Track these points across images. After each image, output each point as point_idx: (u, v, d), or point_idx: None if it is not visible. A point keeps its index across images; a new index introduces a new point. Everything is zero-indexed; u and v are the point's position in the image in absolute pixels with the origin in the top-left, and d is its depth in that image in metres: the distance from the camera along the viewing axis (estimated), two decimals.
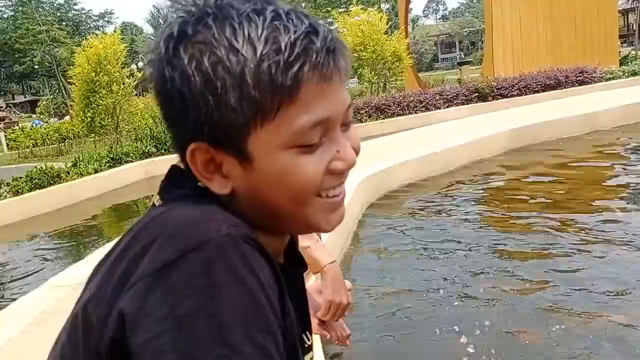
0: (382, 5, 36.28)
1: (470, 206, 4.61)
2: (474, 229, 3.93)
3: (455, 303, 2.72)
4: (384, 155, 5.95)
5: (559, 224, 3.72)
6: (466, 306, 2.69)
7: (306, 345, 0.77)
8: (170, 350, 0.48)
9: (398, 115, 10.28)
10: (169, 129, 0.63)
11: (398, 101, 10.53)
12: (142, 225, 0.57)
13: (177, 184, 0.63)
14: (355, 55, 13.08)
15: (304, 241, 1.72)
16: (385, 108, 10.34)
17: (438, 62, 51.94)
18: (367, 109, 10.16)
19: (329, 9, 20.59)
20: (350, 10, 14.30)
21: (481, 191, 5.12)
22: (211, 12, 0.56)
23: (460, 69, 20.63)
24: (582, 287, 2.72)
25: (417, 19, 55.83)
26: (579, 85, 11.26)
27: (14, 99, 40.26)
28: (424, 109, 10.53)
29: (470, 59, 27.82)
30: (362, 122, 9.88)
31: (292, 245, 0.75)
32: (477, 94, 11.03)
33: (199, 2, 0.57)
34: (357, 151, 0.63)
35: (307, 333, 0.78)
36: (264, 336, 0.50)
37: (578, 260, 3.07)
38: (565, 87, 11.15)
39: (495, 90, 11.04)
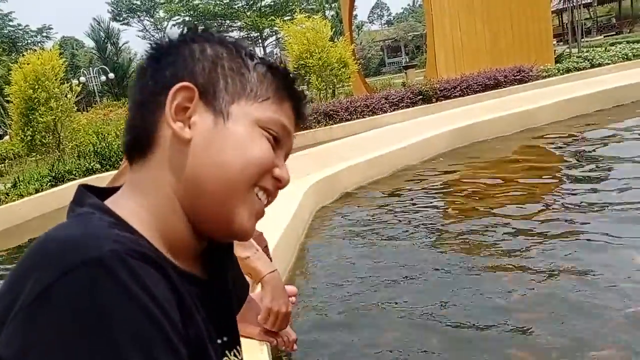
0: (327, 13, 36.66)
1: (417, 204, 4.73)
2: (420, 224, 4.03)
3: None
4: (332, 160, 6.02)
5: (496, 215, 3.89)
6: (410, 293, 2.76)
7: (235, 355, 0.77)
8: None
9: (346, 120, 10.39)
10: (152, 72, 0.67)
11: (346, 106, 10.64)
12: (30, 249, 0.54)
13: (79, 202, 0.63)
14: (302, 62, 13.15)
15: (244, 252, 1.73)
16: (334, 114, 10.43)
17: (385, 66, 52.84)
18: (315, 115, 10.21)
19: (273, 17, 20.59)
20: (295, 18, 14.38)
21: (427, 189, 5.25)
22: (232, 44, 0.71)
23: (405, 73, 21.02)
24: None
25: (362, 25, 56.61)
26: (518, 83, 11.72)
27: None
28: (371, 113, 10.68)
29: (415, 63, 28.39)
30: (311, 128, 9.93)
31: (218, 254, 0.74)
32: (421, 97, 11.29)
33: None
34: (283, 186, 0.72)
35: (234, 345, 0.78)
36: (162, 353, 0.48)
37: (513, 244, 3.22)
38: (504, 87, 11.56)
39: (439, 92, 11.33)
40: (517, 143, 6.62)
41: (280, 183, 0.70)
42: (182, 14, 36.67)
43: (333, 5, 36.76)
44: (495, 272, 2.97)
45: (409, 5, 66.58)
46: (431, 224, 4.07)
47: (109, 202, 0.64)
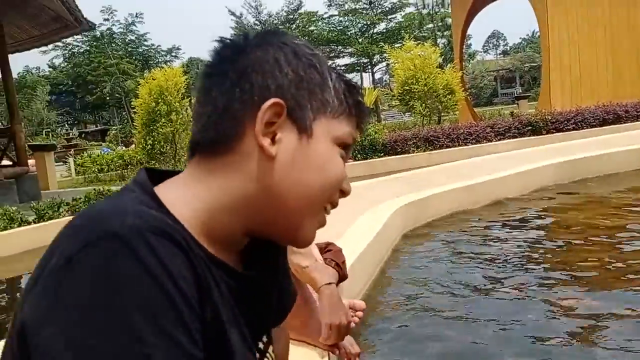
0: (438, 40, 36.33)
1: (511, 237, 4.48)
2: (509, 260, 3.81)
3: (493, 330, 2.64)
4: (424, 185, 5.91)
5: (604, 256, 3.57)
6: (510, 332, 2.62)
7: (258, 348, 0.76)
8: (74, 342, 0.47)
9: (447, 147, 10.17)
10: (236, 92, 0.65)
11: (447, 133, 10.43)
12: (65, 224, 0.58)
13: (132, 180, 0.65)
14: (407, 88, 13.14)
15: (304, 261, 1.75)
16: (434, 139, 10.26)
17: (497, 97, 51.06)
18: (415, 140, 10.12)
19: (384, 44, 20.83)
20: (404, 45, 14.42)
21: (524, 223, 4.97)
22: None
23: (517, 104, 20.19)
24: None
25: (475, 54, 55.27)
26: None
27: (86, 128, 42.82)
28: (474, 141, 10.37)
29: (529, 94, 27.15)
30: (409, 153, 9.85)
31: (265, 253, 0.75)
32: (530, 127, 10.77)
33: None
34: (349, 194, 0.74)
35: (269, 344, 0.79)
36: (172, 325, 0.50)
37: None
38: (625, 122, 10.71)
39: (550, 124, 10.74)
40: (633, 183, 6.08)
41: (344, 195, 0.73)
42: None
43: (445, 33, 36.34)
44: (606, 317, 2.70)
45: (527, 35, 64.04)
46: (519, 259, 3.83)
47: (163, 184, 0.66)
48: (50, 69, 42.86)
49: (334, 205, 0.72)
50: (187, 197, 0.64)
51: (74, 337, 0.47)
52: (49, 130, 32.77)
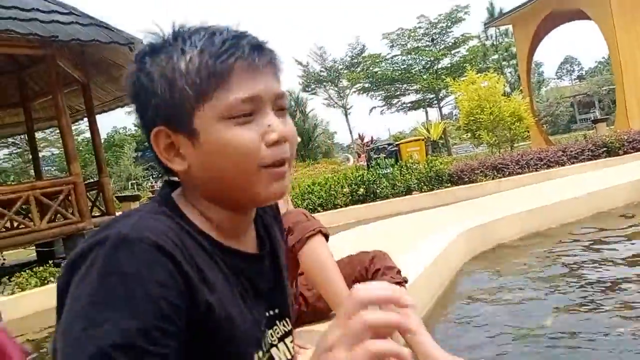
0: (505, 70, 35.68)
1: (583, 263, 4.07)
2: (583, 285, 3.51)
3: None
4: (491, 211, 5.84)
5: None
6: None
7: (282, 331, 0.89)
8: (67, 321, 0.62)
9: (517, 174, 9.91)
10: (142, 128, 0.79)
11: (516, 159, 10.18)
12: None
13: (158, 192, 0.82)
14: (472, 118, 13.04)
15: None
16: (503, 167, 10.05)
17: (576, 123, 48.92)
18: (482, 169, 9.96)
19: (446, 78, 20.82)
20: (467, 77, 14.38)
21: (597, 246, 4.72)
22: (171, 35, 0.78)
23: (595, 127, 19.33)
24: None
25: (544, 81, 53.52)
26: None
27: None
28: (545, 167, 10.06)
29: (608, 117, 25.89)
30: (477, 182, 9.70)
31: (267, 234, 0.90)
32: (605, 149, 10.32)
33: (163, 33, 0.78)
34: (292, 139, 0.77)
35: (283, 316, 0.90)
36: (128, 320, 0.59)
37: None
38: None
39: (627, 144, 10.23)
40: None
41: (278, 142, 0.74)
42: (363, 81, 38.91)
43: (512, 62, 35.69)
44: None
45: (603, 58, 61.42)
46: (597, 284, 3.54)
47: (177, 192, 0.81)
48: (136, 128, 45.97)
49: (281, 156, 0.74)
50: (189, 206, 0.78)
51: (70, 315, 0.63)
52: (135, 183, 34.98)
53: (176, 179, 0.81)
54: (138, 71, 0.75)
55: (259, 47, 0.74)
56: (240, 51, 0.71)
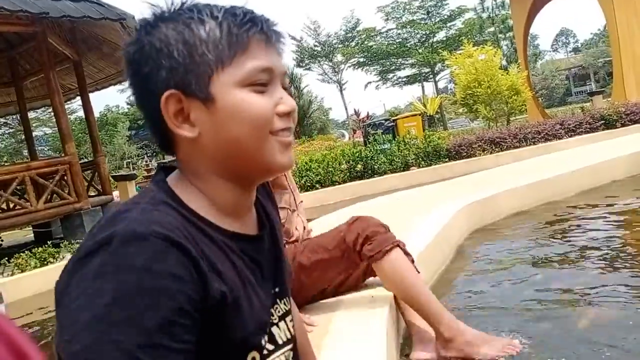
0: (501, 43, 35.38)
1: (582, 236, 4.11)
2: (580, 257, 3.68)
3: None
4: (490, 185, 5.83)
5: None
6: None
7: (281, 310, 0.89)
8: (81, 324, 0.60)
9: (515, 147, 9.89)
10: (144, 98, 0.76)
11: (514, 133, 10.15)
12: None
13: (153, 178, 0.80)
14: (469, 92, 12.95)
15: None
16: (500, 141, 10.02)
17: (571, 95, 48.86)
18: (480, 143, 9.93)
19: (443, 51, 20.63)
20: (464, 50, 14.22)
21: (596, 220, 4.73)
22: (180, 6, 0.76)
23: (591, 100, 19.28)
24: None
25: (541, 54, 53.18)
26: None
27: (164, 159, 44.87)
28: (543, 140, 10.04)
29: (604, 89, 25.83)
30: (475, 156, 9.68)
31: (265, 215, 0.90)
32: (603, 122, 10.29)
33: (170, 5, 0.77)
34: (295, 115, 0.79)
35: (284, 295, 0.91)
36: (148, 318, 0.59)
37: None
38: None
39: (624, 117, 10.21)
40: None
41: (288, 113, 0.77)
42: (358, 56, 38.57)
43: (508, 34, 35.39)
44: None
45: (599, 30, 61.02)
46: (601, 257, 3.63)
47: (173, 177, 0.79)
48: (129, 106, 45.61)
49: (287, 126, 0.77)
50: (188, 187, 0.77)
51: (78, 311, 0.61)
52: (129, 162, 34.83)
53: (173, 157, 0.80)
54: (148, 36, 0.74)
55: (273, 25, 0.77)
56: (259, 25, 0.75)
